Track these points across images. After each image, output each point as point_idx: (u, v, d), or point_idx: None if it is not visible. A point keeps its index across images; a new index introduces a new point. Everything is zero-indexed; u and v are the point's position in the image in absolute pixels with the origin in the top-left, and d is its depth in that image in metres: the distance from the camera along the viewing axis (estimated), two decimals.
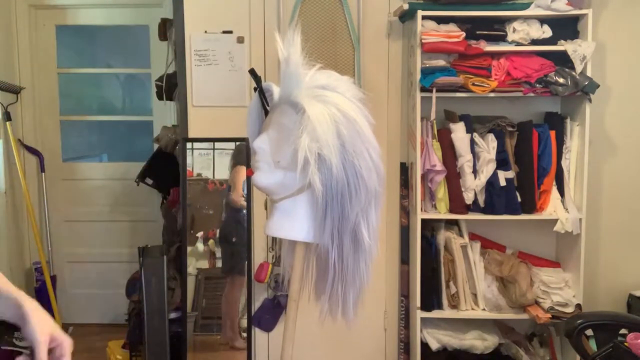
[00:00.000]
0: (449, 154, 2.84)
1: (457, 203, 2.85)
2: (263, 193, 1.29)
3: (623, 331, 2.28)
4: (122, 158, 4.40)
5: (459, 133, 2.82)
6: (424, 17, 2.77)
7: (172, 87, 3.42)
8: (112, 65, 4.44)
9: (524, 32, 2.77)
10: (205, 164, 3.08)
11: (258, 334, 3.15)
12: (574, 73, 2.74)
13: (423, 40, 2.73)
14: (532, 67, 2.78)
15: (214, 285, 3.15)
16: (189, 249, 3.05)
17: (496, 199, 2.83)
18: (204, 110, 3.05)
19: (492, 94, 2.81)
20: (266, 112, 1.25)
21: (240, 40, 3.00)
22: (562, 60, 2.78)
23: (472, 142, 2.84)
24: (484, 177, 2.81)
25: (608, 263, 3.12)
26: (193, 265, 3.08)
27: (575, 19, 2.85)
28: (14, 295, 1.04)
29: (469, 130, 2.83)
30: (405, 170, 3.10)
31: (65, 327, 3.82)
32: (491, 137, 2.84)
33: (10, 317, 1.03)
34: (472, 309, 2.92)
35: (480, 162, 2.83)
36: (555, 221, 2.82)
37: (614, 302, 3.08)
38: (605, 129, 3.07)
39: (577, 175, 2.87)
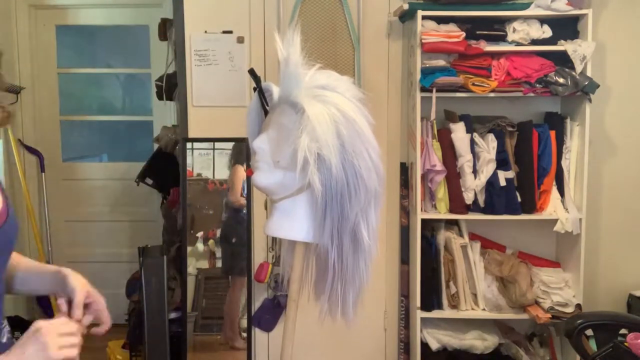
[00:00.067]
0: (449, 154, 2.84)
1: (457, 203, 2.85)
2: (263, 193, 1.29)
3: (623, 331, 2.28)
4: (122, 158, 4.40)
5: (459, 133, 2.82)
6: (424, 17, 2.77)
7: (172, 87, 3.42)
8: (112, 65, 4.44)
9: (524, 32, 2.77)
10: (205, 164, 3.08)
11: (258, 334, 3.15)
12: (574, 73, 2.74)
13: (423, 40, 2.73)
14: (532, 67, 2.78)
15: (214, 285, 3.16)
16: (189, 249, 3.05)
17: (496, 199, 2.83)
18: (204, 110, 3.05)
19: (492, 94, 2.81)
20: (266, 112, 1.25)
21: (240, 40, 3.00)
22: (562, 60, 2.78)
23: (472, 142, 2.84)
24: (484, 177, 2.81)
25: (608, 263, 3.11)
26: (193, 265, 3.08)
27: (575, 19, 2.85)
28: (51, 268, 1.24)
29: (469, 130, 2.83)
30: (405, 170, 3.10)
31: None
32: (491, 137, 2.84)
33: (50, 289, 1.21)
34: (472, 309, 2.92)
35: (480, 162, 2.82)
36: (555, 221, 2.82)
37: (614, 302, 3.08)
38: (605, 129, 3.07)
39: (577, 175, 2.87)
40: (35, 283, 1.25)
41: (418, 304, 2.88)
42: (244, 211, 3.04)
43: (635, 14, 3.02)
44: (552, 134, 2.86)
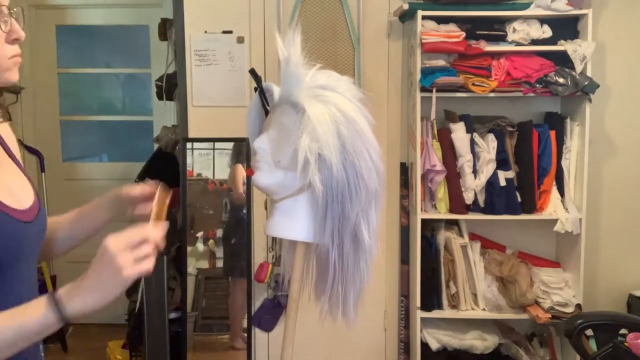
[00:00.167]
0: (449, 154, 2.84)
1: (457, 203, 2.85)
2: (263, 193, 1.29)
3: (623, 331, 2.28)
4: (122, 158, 4.40)
5: (459, 133, 2.82)
6: (424, 17, 2.77)
7: (172, 87, 3.42)
8: (112, 65, 4.44)
9: (524, 32, 2.77)
10: (205, 164, 3.08)
11: (258, 334, 3.15)
12: (574, 73, 2.74)
13: (423, 40, 2.73)
14: (532, 67, 2.78)
15: (214, 285, 3.16)
16: (189, 249, 3.05)
17: (496, 199, 2.83)
18: (204, 110, 3.05)
19: (492, 94, 2.81)
20: (266, 112, 1.25)
21: (240, 40, 3.00)
22: (562, 60, 2.78)
23: (472, 142, 2.84)
24: (484, 177, 2.81)
25: (608, 263, 3.12)
26: (193, 265, 3.08)
27: (575, 19, 2.85)
28: (100, 198, 1.27)
29: (469, 130, 2.83)
30: (405, 170, 3.10)
31: (65, 327, 3.82)
32: (491, 137, 2.84)
33: (112, 214, 1.26)
34: (472, 309, 2.92)
35: (480, 162, 2.83)
36: (555, 221, 2.82)
37: (614, 302, 3.08)
38: (605, 129, 3.07)
39: (577, 175, 2.87)
40: (88, 222, 1.27)
41: (418, 304, 2.88)
42: (244, 211, 3.04)
43: (635, 14, 3.02)
44: (552, 134, 2.86)
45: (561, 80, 2.74)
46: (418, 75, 2.77)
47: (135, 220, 1.15)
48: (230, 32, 3.01)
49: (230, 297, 3.15)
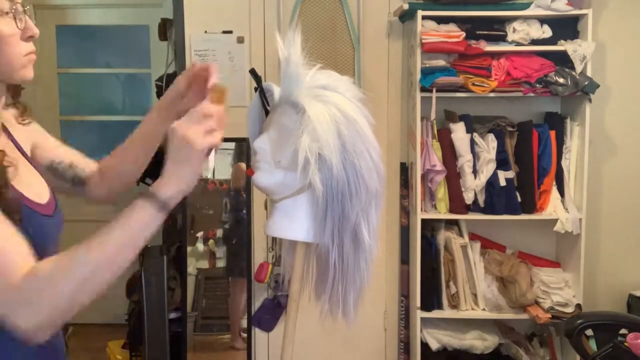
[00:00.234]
0: (449, 154, 2.84)
1: (457, 203, 2.85)
2: (263, 193, 1.29)
3: (623, 331, 2.28)
4: None
5: (459, 133, 2.82)
6: (424, 17, 2.77)
7: None
8: (112, 65, 4.44)
9: (524, 32, 2.77)
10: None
11: (258, 334, 3.15)
12: (574, 73, 2.74)
13: (423, 40, 2.73)
14: (532, 67, 2.78)
15: (214, 285, 3.16)
16: (189, 249, 3.05)
17: (496, 199, 2.83)
18: None
19: (492, 94, 2.81)
20: (266, 112, 1.25)
21: (240, 40, 3.00)
22: (562, 60, 2.78)
23: (472, 142, 2.84)
24: (484, 177, 2.82)
25: (608, 263, 3.12)
26: (193, 265, 3.08)
27: (575, 19, 2.85)
28: (148, 115, 1.33)
29: (469, 130, 2.83)
30: (405, 170, 3.10)
31: (65, 327, 3.82)
32: (491, 137, 2.84)
33: (168, 124, 1.16)
34: (472, 309, 2.92)
35: (480, 162, 2.83)
36: (555, 221, 2.82)
37: (614, 302, 3.09)
38: (605, 129, 3.07)
39: (577, 175, 2.87)
40: (146, 143, 1.34)
41: (418, 304, 2.88)
42: (244, 211, 3.04)
43: (635, 14, 3.02)
44: (552, 134, 2.86)
45: (561, 80, 2.74)
46: (418, 75, 2.77)
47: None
48: (230, 32, 3.01)
49: (230, 297, 3.15)
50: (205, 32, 3.00)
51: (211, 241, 3.10)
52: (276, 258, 3.06)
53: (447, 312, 2.92)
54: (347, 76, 1.25)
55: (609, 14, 2.99)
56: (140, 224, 0.97)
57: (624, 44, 3.04)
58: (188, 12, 3.00)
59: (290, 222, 1.21)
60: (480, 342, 2.93)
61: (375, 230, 1.21)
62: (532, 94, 2.78)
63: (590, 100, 2.77)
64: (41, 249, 1.03)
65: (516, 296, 2.85)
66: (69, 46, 4.30)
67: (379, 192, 1.20)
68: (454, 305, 2.92)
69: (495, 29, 2.82)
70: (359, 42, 3.00)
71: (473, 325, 2.98)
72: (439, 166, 2.78)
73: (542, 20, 2.80)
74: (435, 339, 2.93)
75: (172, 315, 3.08)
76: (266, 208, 3.00)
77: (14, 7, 1.02)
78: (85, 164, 1.35)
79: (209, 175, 3.08)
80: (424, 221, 2.87)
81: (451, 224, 3.00)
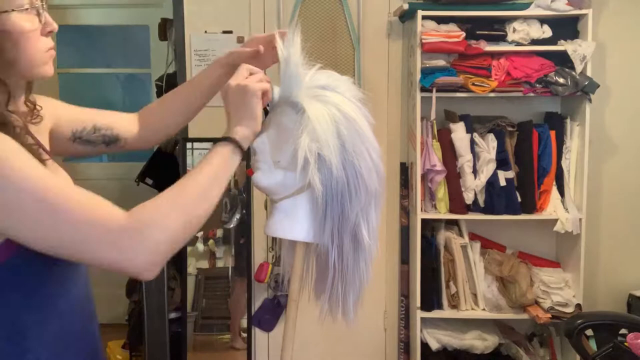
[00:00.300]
0: (449, 154, 2.84)
1: (457, 203, 2.85)
2: (263, 193, 1.29)
3: (623, 331, 2.28)
4: (122, 158, 4.40)
5: (459, 133, 2.82)
6: (424, 17, 2.77)
7: (172, 87, 3.38)
8: (112, 65, 4.44)
9: (524, 32, 2.77)
10: None
11: (258, 334, 3.15)
12: (574, 73, 2.74)
13: (423, 40, 2.73)
14: (532, 67, 2.78)
15: (214, 285, 3.16)
16: (189, 249, 3.05)
17: (496, 199, 2.83)
18: (204, 110, 3.03)
19: (492, 94, 2.81)
20: (266, 112, 1.25)
21: (240, 40, 3.01)
22: (562, 60, 2.78)
23: (472, 142, 2.84)
24: (484, 177, 2.81)
25: (608, 263, 3.12)
26: (193, 265, 3.08)
27: (575, 19, 2.85)
28: (212, 65, 1.51)
29: (469, 130, 2.83)
30: (405, 170, 3.10)
31: None
32: (491, 137, 2.84)
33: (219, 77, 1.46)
34: (472, 309, 2.92)
35: (480, 162, 2.83)
36: (555, 221, 2.82)
37: (614, 302, 3.08)
38: (605, 129, 3.07)
39: (577, 175, 2.87)
40: (203, 92, 1.53)
41: (418, 304, 2.88)
42: (244, 211, 3.04)
43: (635, 14, 3.02)
44: (552, 134, 2.86)
45: (561, 80, 2.74)
46: (418, 75, 2.77)
47: None
48: (230, 32, 3.01)
49: (232, 297, 3.15)
50: (205, 32, 3.00)
51: (211, 241, 3.10)
52: (276, 258, 3.06)
53: (447, 312, 2.92)
54: (347, 76, 1.25)
55: (609, 14, 2.99)
56: (220, 163, 1.06)
57: (624, 44, 3.03)
58: (188, 12, 3.00)
59: (290, 222, 1.21)
60: (480, 342, 2.93)
61: (375, 230, 1.21)
62: (532, 94, 2.78)
63: (590, 100, 2.77)
64: None
65: (516, 296, 2.85)
66: (69, 46, 4.30)
67: (378, 192, 1.20)
68: (454, 305, 2.92)
69: (495, 29, 2.82)
70: (359, 42, 3.00)
71: (473, 325, 2.98)
72: (439, 166, 2.78)
73: (542, 20, 2.80)
74: (435, 339, 2.93)
75: (172, 315, 3.08)
76: (266, 208, 3.00)
77: (34, 3, 1.02)
78: (113, 121, 1.43)
79: None
80: (424, 221, 2.87)
81: (451, 224, 3.00)
